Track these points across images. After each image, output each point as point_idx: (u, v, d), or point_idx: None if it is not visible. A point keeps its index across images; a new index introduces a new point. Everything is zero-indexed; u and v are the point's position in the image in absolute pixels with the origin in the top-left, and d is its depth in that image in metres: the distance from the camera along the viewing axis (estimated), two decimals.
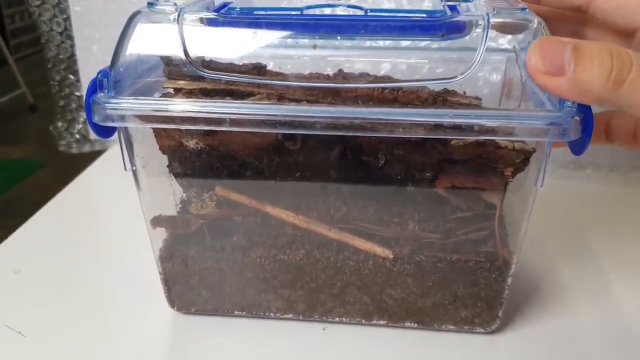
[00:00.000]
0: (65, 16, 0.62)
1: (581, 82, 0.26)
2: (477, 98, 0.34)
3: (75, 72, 0.65)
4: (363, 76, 0.34)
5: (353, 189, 0.38)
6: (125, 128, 0.34)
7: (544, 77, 0.27)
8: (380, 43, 0.35)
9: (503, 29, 0.33)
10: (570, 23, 0.35)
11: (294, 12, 0.32)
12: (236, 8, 0.33)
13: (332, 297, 0.38)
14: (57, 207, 0.56)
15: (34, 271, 0.46)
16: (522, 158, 0.32)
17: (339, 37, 0.31)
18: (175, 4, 0.32)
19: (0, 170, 2.02)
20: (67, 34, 0.63)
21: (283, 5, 0.35)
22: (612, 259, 0.47)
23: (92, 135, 0.68)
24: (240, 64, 0.34)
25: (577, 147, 0.30)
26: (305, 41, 0.33)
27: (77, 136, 0.68)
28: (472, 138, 0.31)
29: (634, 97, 0.26)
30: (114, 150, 0.67)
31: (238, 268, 0.38)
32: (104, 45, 0.62)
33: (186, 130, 0.34)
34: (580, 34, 0.35)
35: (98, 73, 0.32)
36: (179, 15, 0.32)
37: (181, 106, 0.30)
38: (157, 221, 0.38)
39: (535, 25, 0.30)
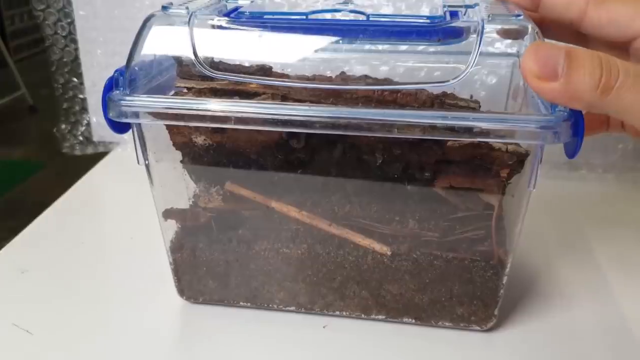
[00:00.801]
0: (69, 20, 0.64)
1: (573, 88, 0.27)
2: (475, 101, 0.35)
3: (79, 75, 0.67)
4: (363, 78, 0.36)
5: (356, 187, 0.39)
6: (139, 124, 0.35)
7: (538, 81, 0.28)
8: (380, 47, 0.37)
9: (505, 34, 0.34)
10: (566, 34, 0.36)
11: (299, 17, 0.34)
12: (245, 12, 0.35)
13: (333, 290, 0.40)
14: (62, 208, 0.57)
15: (40, 270, 0.47)
16: (515, 160, 0.33)
17: (340, 41, 0.32)
18: (187, 8, 0.34)
19: (0, 172, 2.06)
20: (71, 37, 0.65)
21: (290, 10, 0.36)
22: (607, 257, 0.48)
23: (95, 137, 0.70)
24: (248, 65, 0.36)
25: (570, 150, 0.31)
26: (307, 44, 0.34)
27: (81, 138, 0.70)
28: (466, 140, 0.32)
29: (618, 104, 0.27)
30: (117, 152, 0.69)
31: (243, 260, 0.40)
32: (107, 48, 0.64)
33: (195, 127, 0.36)
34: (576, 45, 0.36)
35: (115, 72, 0.34)
36: (190, 19, 0.34)
37: (190, 104, 0.32)
38: (168, 213, 0.40)
39: (529, 31, 0.31)
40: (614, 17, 0.32)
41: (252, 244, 0.39)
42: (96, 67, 0.65)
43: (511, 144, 0.33)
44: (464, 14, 0.34)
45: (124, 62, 0.34)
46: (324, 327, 0.40)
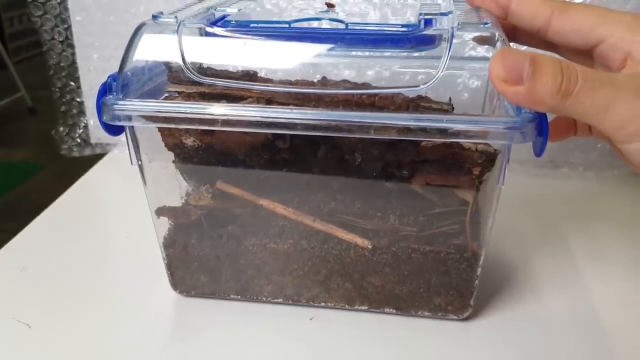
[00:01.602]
0: (66, 26, 0.66)
1: (536, 92, 0.29)
2: (448, 104, 0.37)
3: (76, 79, 0.69)
4: (343, 83, 0.38)
5: (340, 185, 0.41)
6: (132, 127, 0.38)
7: (504, 84, 0.30)
8: (360, 53, 0.39)
9: (480, 41, 0.36)
10: (535, 41, 0.38)
11: (282, 25, 0.36)
12: (232, 21, 0.37)
13: (318, 283, 0.42)
14: (60, 208, 0.59)
15: (39, 267, 0.49)
16: (484, 159, 0.35)
17: (321, 48, 0.34)
18: (176, 17, 0.36)
19: None
20: (68, 42, 0.67)
21: (275, 19, 0.38)
22: (583, 251, 0.51)
23: (93, 139, 0.72)
24: (234, 70, 0.38)
25: (537, 149, 0.33)
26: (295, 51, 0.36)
27: (78, 140, 0.72)
28: (438, 140, 0.34)
29: (578, 107, 0.29)
30: (114, 154, 0.71)
31: (233, 255, 0.42)
32: (103, 53, 0.66)
33: (185, 129, 0.38)
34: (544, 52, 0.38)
35: (108, 77, 0.36)
36: (178, 27, 0.36)
37: (180, 108, 0.34)
38: (160, 211, 0.42)
39: (495, 39, 0.33)
40: (576, 26, 0.34)
41: (241, 240, 0.42)
42: (93, 72, 0.67)
43: (480, 143, 0.35)
44: (437, 22, 0.36)
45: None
46: (310, 319, 0.43)
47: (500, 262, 0.48)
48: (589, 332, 0.41)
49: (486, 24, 0.34)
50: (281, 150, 0.39)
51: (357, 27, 0.35)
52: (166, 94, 0.39)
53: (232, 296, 0.44)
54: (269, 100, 0.37)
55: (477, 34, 0.34)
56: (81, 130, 0.72)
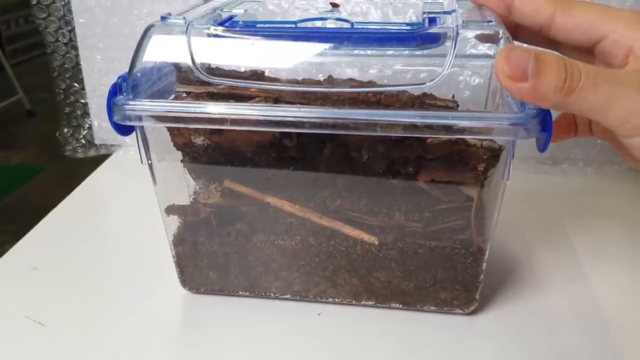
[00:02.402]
0: (70, 28, 0.66)
1: (540, 89, 0.30)
2: (453, 101, 0.38)
3: (80, 81, 0.69)
4: (349, 81, 0.38)
5: (346, 183, 0.42)
6: (142, 127, 0.38)
7: (509, 81, 0.30)
8: (368, 52, 0.40)
9: (482, 39, 0.37)
10: (538, 38, 0.38)
11: (289, 26, 0.37)
12: (239, 22, 0.38)
13: (325, 279, 0.42)
14: (67, 208, 0.60)
15: (50, 266, 0.50)
16: (489, 155, 0.36)
17: (327, 47, 0.35)
18: (184, 18, 0.37)
19: None
20: (72, 44, 0.67)
21: (280, 19, 0.39)
22: (584, 245, 0.51)
23: (97, 140, 0.72)
24: (242, 70, 0.39)
25: (541, 144, 0.34)
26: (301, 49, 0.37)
27: (83, 141, 0.72)
28: (443, 136, 0.35)
29: (580, 104, 0.30)
30: (118, 155, 0.72)
31: (241, 252, 0.42)
32: (107, 54, 0.66)
33: (194, 128, 0.38)
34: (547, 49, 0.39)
35: (118, 78, 0.37)
36: (187, 28, 0.36)
37: (189, 108, 0.35)
38: (170, 209, 0.43)
39: (499, 36, 0.34)
40: (578, 22, 0.34)
41: (249, 237, 0.42)
42: (96, 73, 0.67)
43: (485, 140, 0.36)
44: (441, 21, 0.37)
45: (123, 68, 0.36)
46: (318, 314, 0.43)
47: (504, 257, 0.49)
48: (592, 326, 0.42)
49: (490, 22, 0.34)
50: (288, 148, 0.39)
51: (363, 27, 0.36)
52: (175, 94, 0.40)
53: (240, 293, 0.44)
54: (276, 99, 0.37)
55: (481, 31, 0.35)
56: (85, 132, 0.72)
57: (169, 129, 0.40)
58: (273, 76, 0.39)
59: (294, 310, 0.43)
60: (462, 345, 0.40)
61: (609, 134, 0.39)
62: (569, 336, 0.41)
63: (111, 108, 0.36)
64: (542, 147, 0.34)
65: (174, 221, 0.44)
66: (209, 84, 0.38)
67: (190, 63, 0.36)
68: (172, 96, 0.40)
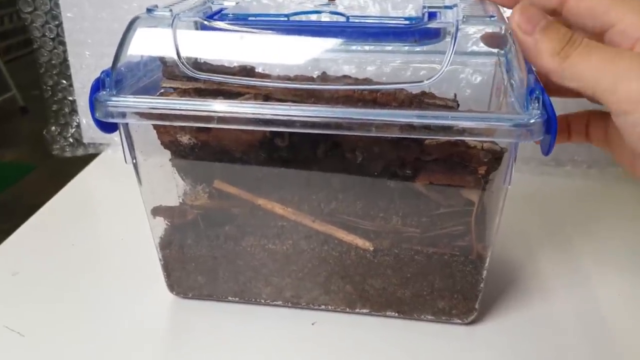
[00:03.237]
0: (57, 22, 0.64)
1: (540, 46, 0.31)
2: (453, 100, 0.36)
3: (68, 77, 0.67)
4: (344, 78, 0.36)
5: (341, 184, 0.40)
6: (126, 124, 0.36)
7: (519, 31, 0.32)
8: (364, 47, 0.38)
9: (488, 41, 0.35)
10: None
11: (280, 19, 0.35)
12: (229, 14, 0.36)
13: (318, 285, 0.40)
14: (52, 210, 0.57)
15: (32, 272, 0.47)
16: (491, 157, 0.34)
17: (320, 42, 0.33)
18: (171, 10, 0.35)
19: None
20: (59, 39, 0.65)
21: (272, 12, 0.37)
22: (588, 250, 0.49)
23: (86, 139, 0.70)
24: (231, 66, 0.37)
25: (545, 147, 0.32)
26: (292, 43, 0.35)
27: (71, 140, 0.70)
28: (442, 138, 0.33)
29: (572, 71, 0.31)
30: (107, 154, 0.69)
31: (230, 256, 0.41)
32: (96, 50, 0.64)
33: (180, 126, 0.36)
34: None
35: (101, 73, 0.35)
36: (173, 20, 0.34)
37: (174, 104, 0.33)
38: (156, 211, 0.41)
39: (502, 32, 0.32)
40: (589, 6, 0.33)
41: (238, 241, 0.40)
42: (85, 69, 0.65)
43: (486, 141, 0.34)
44: (442, 15, 0.35)
45: None
46: (313, 323, 0.41)
47: (505, 262, 0.47)
48: (597, 335, 0.40)
49: (492, 17, 0.33)
50: (280, 148, 0.37)
51: (359, 20, 0.34)
52: (162, 90, 0.38)
53: (230, 298, 0.43)
54: (266, 96, 0.35)
55: (482, 27, 0.33)
56: (73, 130, 0.70)
57: (155, 126, 0.38)
58: (264, 72, 0.37)
59: (285, 318, 0.42)
60: (460, 357, 0.39)
61: (607, 140, 0.38)
62: (573, 347, 0.39)
63: (93, 104, 0.34)
64: (546, 150, 0.32)
65: (161, 223, 0.42)
66: (196, 79, 0.36)
67: (175, 57, 0.34)
68: (158, 92, 0.38)
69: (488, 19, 0.32)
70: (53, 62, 0.66)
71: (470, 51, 0.39)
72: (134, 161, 0.38)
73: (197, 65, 0.36)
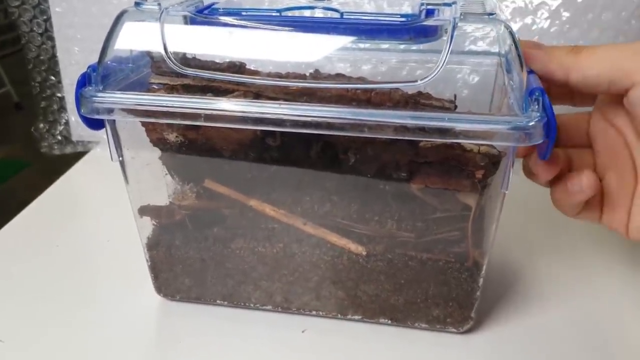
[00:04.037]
0: (45, 17, 0.63)
1: (552, 50, 0.32)
2: (450, 101, 0.34)
3: (57, 73, 0.65)
4: (337, 77, 0.35)
5: (335, 186, 0.39)
6: (113, 120, 0.35)
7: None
8: (359, 45, 0.36)
9: None
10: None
11: (272, 14, 0.34)
12: (219, 9, 0.35)
13: (309, 290, 0.39)
14: (38, 209, 0.56)
15: (14, 273, 0.46)
16: (487, 161, 0.33)
17: (313, 38, 0.32)
18: (159, 4, 0.34)
19: None
20: (47, 35, 0.63)
21: (263, 7, 0.36)
22: (589, 256, 0.48)
23: (74, 137, 0.68)
24: (221, 61, 0.36)
25: (542, 151, 0.31)
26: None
27: (59, 137, 0.69)
28: (437, 140, 0.32)
29: (590, 59, 0.31)
30: (96, 152, 0.68)
31: (219, 258, 0.39)
32: (85, 46, 0.63)
33: (167, 124, 0.35)
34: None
35: (88, 68, 0.34)
36: (161, 15, 0.33)
37: (160, 101, 0.32)
38: (143, 210, 0.40)
39: (501, 31, 0.31)
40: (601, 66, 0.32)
41: (227, 242, 0.39)
42: (74, 65, 0.64)
43: (483, 145, 0.32)
44: (440, 13, 0.34)
45: None
46: (303, 331, 0.40)
47: (502, 269, 0.46)
48: (597, 344, 0.39)
49: (491, 14, 0.31)
50: (271, 147, 0.36)
51: (353, 17, 0.33)
52: (149, 86, 0.37)
53: (218, 302, 0.41)
54: (257, 94, 0.34)
55: (481, 25, 0.31)
56: (62, 127, 0.68)
57: (143, 123, 0.37)
58: (254, 69, 0.36)
59: (275, 323, 0.40)
60: None
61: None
62: (572, 358, 0.38)
63: (79, 100, 0.33)
64: (544, 154, 0.31)
65: (148, 223, 0.41)
66: (185, 75, 0.35)
67: (163, 52, 0.33)
68: (146, 88, 0.36)
69: (487, 17, 0.31)
70: (41, 57, 0.65)
71: (468, 50, 0.37)
72: (121, 159, 0.37)
73: (186, 61, 0.35)
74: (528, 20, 0.55)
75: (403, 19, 0.32)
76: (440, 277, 0.37)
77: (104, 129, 0.36)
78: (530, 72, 0.32)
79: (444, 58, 0.30)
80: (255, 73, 0.36)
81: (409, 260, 0.37)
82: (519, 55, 0.31)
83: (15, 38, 3.07)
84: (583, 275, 0.45)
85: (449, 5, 0.35)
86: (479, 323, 0.40)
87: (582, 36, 0.54)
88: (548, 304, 0.42)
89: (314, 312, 0.40)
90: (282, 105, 0.31)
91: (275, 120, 0.31)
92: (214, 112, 0.31)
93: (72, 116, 0.67)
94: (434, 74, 0.30)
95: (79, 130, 0.68)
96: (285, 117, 0.30)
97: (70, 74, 0.65)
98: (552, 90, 0.33)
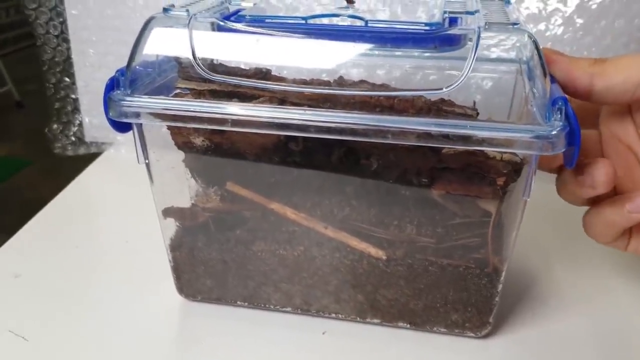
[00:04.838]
0: (61, 19, 0.63)
1: (576, 60, 0.33)
2: (473, 109, 0.35)
3: (71, 75, 0.66)
4: (361, 84, 0.36)
5: (355, 191, 0.39)
6: (140, 124, 0.36)
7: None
8: (380, 52, 0.37)
9: None
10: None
11: (298, 22, 0.34)
12: (246, 16, 0.35)
13: (328, 293, 0.40)
14: (55, 210, 0.57)
15: (34, 274, 0.47)
16: (510, 169, 0.33)
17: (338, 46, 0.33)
18: (187, 10, 0.35)
19: None
20: (63, 37, 0.64)
21: (291, 14, 0.36)
22: (608, 261, 0.48)
23: (88, 138, 0.69)
24: (247, 68, 0.36)
25: (568, 160, 0.31)
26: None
27: (73, 138, 0.69)
28: (460, 147, 0.32)
29: (616, 66, 0.32)
30: (109, 153, 0.68)
31: (240, 260, 0.40)
32: (100, 48, 0.63)
33: (194, 128, 0.36)
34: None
35: (116, 72, 0.35)
36: (189, 21, 0.34)
37: (188, 106, 0.33)
38: (167, 212, 0.40)
39: (525, 40, 0.31)
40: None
41: (249, 245, 0.40)
42: (88, 67, 0.64)
43: (506, 152, 0.33)
44: (463, 21, 0.34)
45: (116, 63, 0.34)
46: (323, 333, 0.40)
47: (521, 274, 0.46)
48: (616, 351, 0.39)
49: (515, 24, 0.32)
50: (294, 152, 0.37)
51: (378, 25, 0.33)
52: (176, 91, 0.37)
53: (238, 303, 0.42)
54: (282, 100, 0.35)
55: (505, 34, 0.32)
56: (76, 128, 0.69)
57: (169, 127, 0.38)
58: (279, 75, 0.37)
59: (295, 326, 0.41)
60: None
61: None
62: None
63: (107, 103, 0.34)
64: (570, 162, 0.31)
65: (172, 224, 0.41)
66: (211, 81, 0.35)
67: (191, 58, 0.34)
68: (173, 93, 0.37)
69: (511, 26, 0.31)
70: (56, 59, 0.65)
71: (488, 58, 0.38)
72: (147, 161, 0.38)
73: (213, 66, 0.36)
74: (542, 26, 0.55)
75: (427, 28, 0.33)
76: (460, 283, 0.37)
77: (130, 131, 0.37)
78: (553, 81, 0.32)
79: (469, 66, 0.30)
80: (280, 79, 0.37)
81: (429, 265, 0.37)
82: (542, 65, 0.31)
83: (17, 37, 3.10)
84: (601, 283, 0.46)
85: (471, 13, 0.36)
86: (497, 328, 0.40)
87: (595, 43, 0.54)
88: (565, 310, 0.42)
89: (333, 315, 0.41)
90: (306, 111, 0.31)
91: (300, 125, 0.31)
92: (241, 118, 0.32)
93: (86, 117, 0.68)
94: (459, 81, 0.30)
95: (92, 131, 0.69)
96: (310, 123, 0.31)
97: (84, 75, 0.65)
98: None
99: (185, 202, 0.42)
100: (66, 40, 0.65)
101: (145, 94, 0.35)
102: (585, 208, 0.37)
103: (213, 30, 0.35)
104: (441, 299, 0.38)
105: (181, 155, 0.40)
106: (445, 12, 0.36)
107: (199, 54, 0.34)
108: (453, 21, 0.35)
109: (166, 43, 0.35)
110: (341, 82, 0.36)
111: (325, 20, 0.35)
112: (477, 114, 0.35)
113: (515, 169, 0.33)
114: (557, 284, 0.45)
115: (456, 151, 0.33)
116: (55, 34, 0.64)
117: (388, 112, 0.34)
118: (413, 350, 0.39)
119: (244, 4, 0.39)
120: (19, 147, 2.13)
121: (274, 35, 0.34)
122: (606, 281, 0.46)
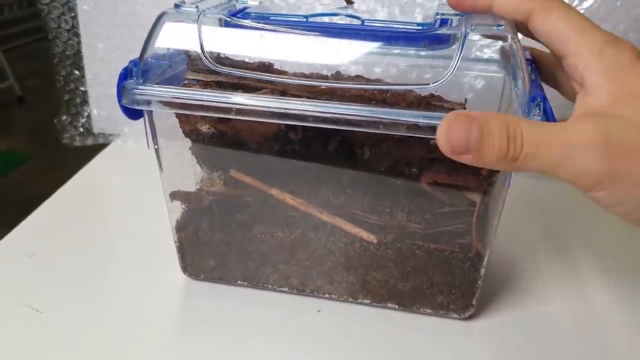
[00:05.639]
0: (73, 14, 0.66)
1: (484, 159, 0.29)
2: (461, 104, 0.37)
3: (81, 68, 0.69)
4: (357, 78, 0.38)
5: (350, 179, 0.42)
6: (150, 111, 0.39)
7: (453, 155, 0.30)
8: (375, 49, 0.39)
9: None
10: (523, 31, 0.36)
11: (299, 19, 0.37)
12: (251, 13, 0.38)
13: (323, 274, 0.42)
14: (64, 196, 0.60)
15: (47, 254, 0.50)
16: None
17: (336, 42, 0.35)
18: (197, 7, 0.37)
19: None
20: (74, 31, 0.67)
21: (293, 13, 0.39)
22: (588, 252, 0.51)
23: (95, 129, 0.72)
24: (251, 61, 0.39)
25: None
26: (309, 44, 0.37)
27: (81, 129, 0.72)
28: None
29: (526, 168, 0.29)
30: (116, 144, 0.71)
31: (241, 242, 0.43)
32: (109, 43, 0.66)
33: (201, 116, 0.39)
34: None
35: (129, 62, 0.37)
36: (199, 17, 0.37)
37: (196, 95, 0.35)
38: (174, 195, 0.43)
39: (508, 41, 0.34)
40: (549, 30, 0.32)
41: (250, 228, 0.42)
42: (98, 61, 0.67)
43: None
44: (453, 23, 0.37)
45: (125, 57, 0.37)
46: (318, 311, 0.43)
47: (504, 263, 0.49)
48: (591, 333, 0.42)
49: (499, 25, 0.34)
50: (293, 141, 0.39)
51: (373, 24, 0.36)
52: (185, 82, 0.40)
53: (239, 282, 0.45)
54: (283, 92, 0.37)
55: (490, 34, 0.34)
56: (84, 120, 0.72)
57: (177, 115, 0.41)
58: (281, 69, 0.40)
59: (289, 304, 0.44)
60: (456, 350, 0.40)
61: None
62: (567, 345, 0.41)
63: (121, 91, 0.37)
64: None
65: (178, 207, 0.44)
66: (218, 73, 0.38)
67: (199, 51, 0.37)
68: (182, 83, 0.40)
69: (495, 27, 0.34)
70: (67, 53, 0.68)
71: (481, 58, 0.40)
72: (156, 147, 0.40)
73: (220, 59, 0.38)
74: None
75: (419, 27, 0.35)
76: (445, 266, 0.40)
77: (140, 120, 0.39)
78: (534, 80, 0.35)
79: (455, 64, 0.33)
80: (282, 73, 0.39)
81: (417, 249, 0.40)
82: (521, 65, 0.34)
83: (19, 33, 3.11)
84: (581, 270, 0.48)
85: (461, 15, 0.38)
86: (480, 310, 0.43)
87: None
88: (546, 295, 0.45)
89: (327, 295, 0.44)
90: (305, 102, 0.34)
91: (299, 115, 0.34)
92: (244, 107, 0.34)
93: (94, 109, 0.71)
94: (445, 78, 0.33)
95: (100, 123, 0.71)
96: (308, 113, 0.34)
97: (93, 69, 0.68)
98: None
99: (191, 187, 0.45)
100: (77, 35, 0.67)
101: (157, 84, 0.38)
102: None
103: (220, 25, 0.38)
104: (427, 281, 0.41)
105: (188, 143, 0.43)
106: (437, 14, 0.38)
107: (207, 48, 0.36)
108: (444, 22, 0.37)
109: (177, 37, 0.38)
110: (338, 77, 0.39)
111: (325, 19, 0.37)
112: (465, 109, 0.38)
113: None
114: (539, 272, 0.48)
115: None
116: (67, 28, 0.67)
117: (381, 105, 0.37)
118: (400, 330, 0.42)
119: (249, 2, 0.41)
120: (20, 142, 2.14)
121: (277, 31, 0.36)
122: (584, 270, 0.48)
